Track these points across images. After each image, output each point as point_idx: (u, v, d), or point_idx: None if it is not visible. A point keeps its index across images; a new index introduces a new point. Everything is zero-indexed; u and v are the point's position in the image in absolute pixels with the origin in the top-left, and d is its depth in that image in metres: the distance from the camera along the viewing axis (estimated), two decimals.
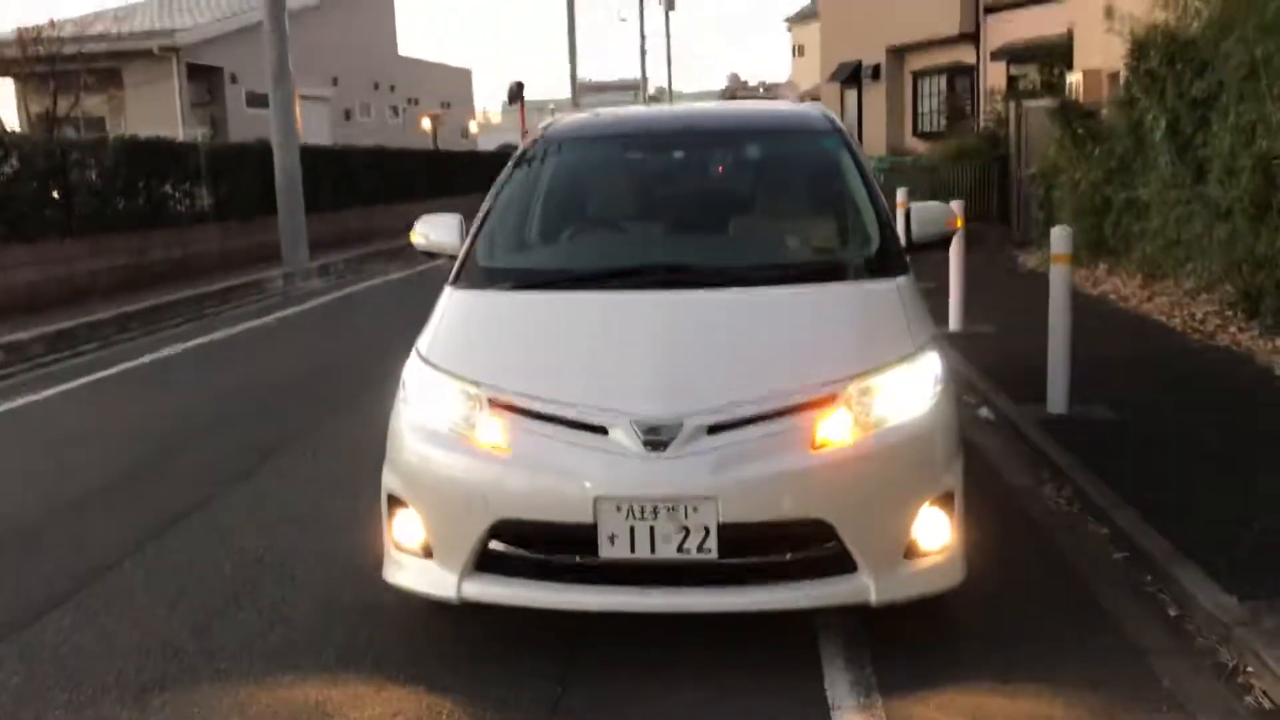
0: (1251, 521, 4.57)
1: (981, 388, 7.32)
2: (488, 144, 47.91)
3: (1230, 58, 9.05)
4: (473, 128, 48.02)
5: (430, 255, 4.82)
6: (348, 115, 34.05)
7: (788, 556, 3.52)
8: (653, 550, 3.48)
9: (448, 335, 4.07)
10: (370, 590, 4.16)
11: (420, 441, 3.77)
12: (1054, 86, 17.64)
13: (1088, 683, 3.52)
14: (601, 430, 3.54)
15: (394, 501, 3.82)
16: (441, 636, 3.94)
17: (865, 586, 3.54)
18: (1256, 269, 8.61)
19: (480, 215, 4.66)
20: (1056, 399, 6.46)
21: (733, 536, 3.46)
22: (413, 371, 3.95)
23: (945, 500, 3.65)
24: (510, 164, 4.98)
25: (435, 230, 4.76)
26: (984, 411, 6.97)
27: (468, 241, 4.55)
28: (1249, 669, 3.55)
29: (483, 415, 3.69)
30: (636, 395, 3.60)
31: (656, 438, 3.49)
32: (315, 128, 28.46)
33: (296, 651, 3.89)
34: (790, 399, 3.58)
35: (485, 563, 3.64)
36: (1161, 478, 5.20)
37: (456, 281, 4.37)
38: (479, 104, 52.48)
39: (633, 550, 3.48)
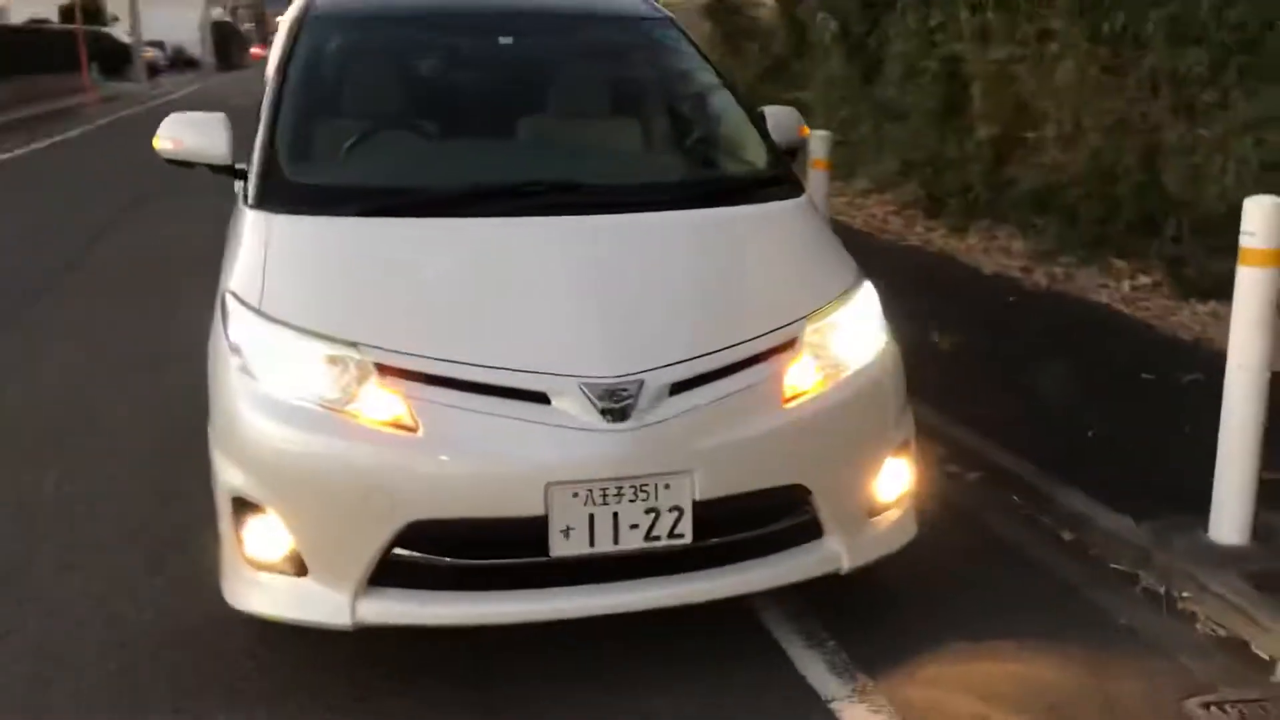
0: (1087, 429, 4.58)
1: None
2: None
3: None
4: None
5: (182, 165, 3.74)
6: None
7: (761, 531, 2.99)
8: (616, 541, 2.82)
9: (287, 279, 3.08)
10: None
11: (279, 425, 2.83)
12: None
13: (1051, 631, 3.30)
14: (542, 398, 2.81)
15: (243, 506, 2.87)
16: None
17: (836, 553, 3.08)
18: (942, 171, 8.94)
19: (267, 114, 3.62)
20: None
21: (707, 515, 2.86)
22: (247, 331, 2.96)
23: (904, 448, 3.26)
24: (281, 50, 3.92)
25: (193, 133, 3.67)
26: None
27: (260, 150, 3.50)
28: (1185, 594, 3.49)
29: (368, 386, 2.82)
30: (579, 352, 2.88)
31: (615, 404, 2.80)
32: None
33: None
34: (754, 347, 3.01)
35: (384, 575, 2.82)
36: (957, 389, 5.06)
37: (266, 204, 3.35)
38: None
39: (592, 544, 2.80)
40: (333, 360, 2.85)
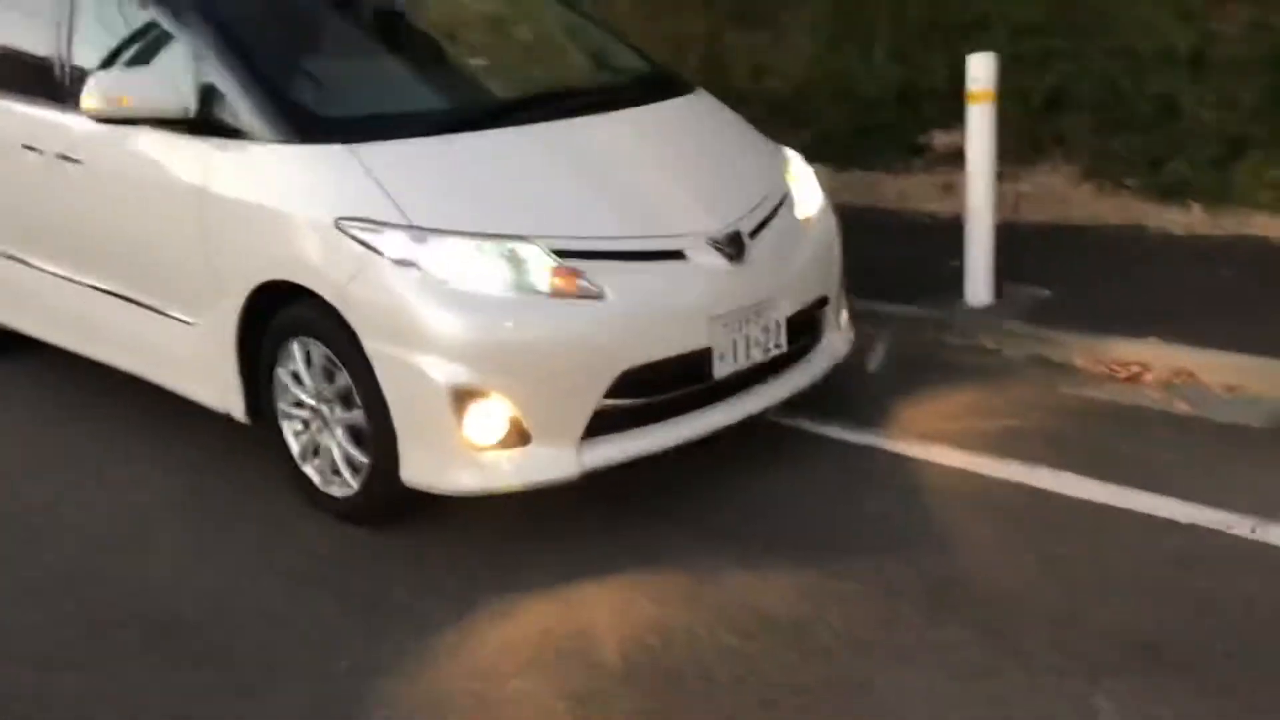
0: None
1: None
2: None
3: None
4: None
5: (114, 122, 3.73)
6: None
7: (806, 337, 3.90)
8: (748, 357, 3.60)
9: (418, 196, 3.37)
10: None
11: (490, 315, 3.24)
12: None
13: (938, 378, 4.58)
14: (679, 255, 3.47)
15: (463, 396, 3.22)
16: None
17: (837, 349, 4.08)
18: None
19: (227, 59, 3.69)
20: None
21: (789, 327, 3.73)
22: (416, 245, 3.27)
23: (841, 267, 4.31)
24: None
25: (140, 88, 3.67)
26: None
27: (256, 91, 3.61)
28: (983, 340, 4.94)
29: (548, 268, 3.30)
30: (688, 215, 3.57)
31: (734, 249, 3.55)
32: None
33: None
34: (774, 198, 3.88)
35: (594, 426, 3.35)
36: None
37: (327, 137, 3.52)
38: None
39: (736, 362, 3.56)
40: (513, 253, 3.27)
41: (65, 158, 4.24)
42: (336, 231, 3.33)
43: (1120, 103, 6.35)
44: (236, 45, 3.75)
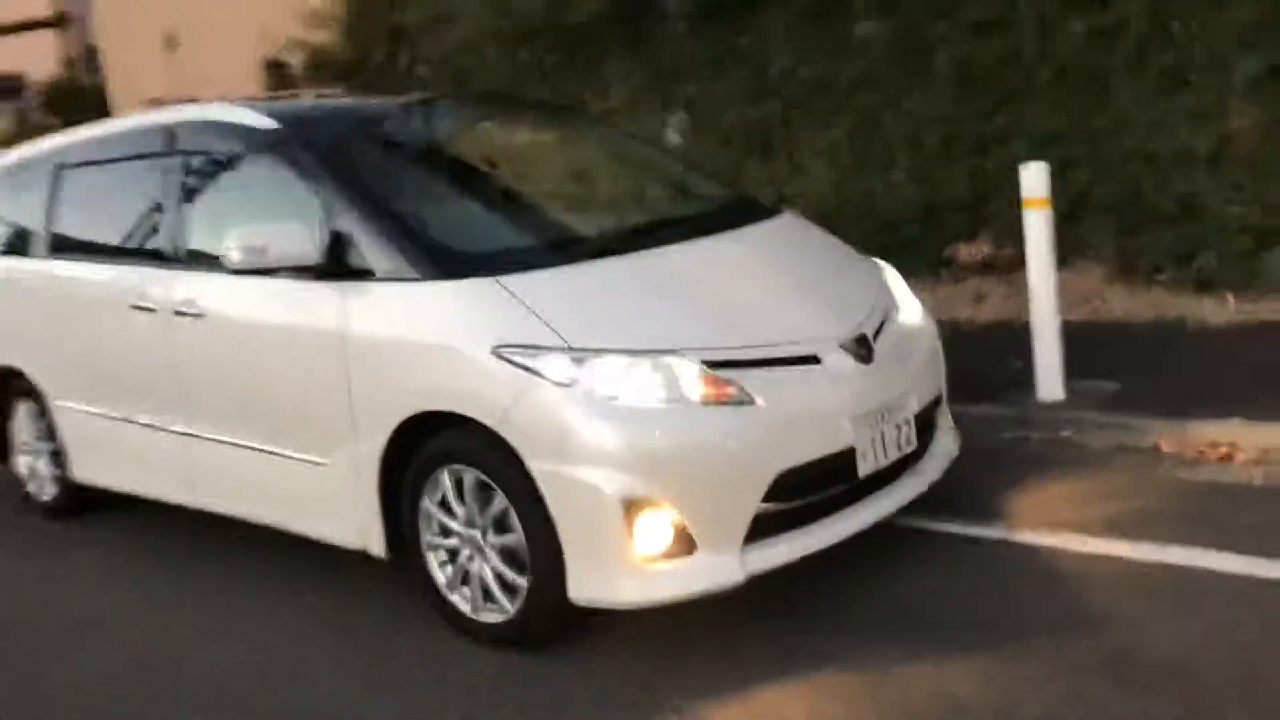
0: None
1: None
2: None
3: None
4: None
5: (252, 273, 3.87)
6: None
7: (925, 437, 4.02)
8: (886, 455, 3.71)
9: (571, 318, 3.50)
10: None
11: (655, 428, 3.34)
12: None
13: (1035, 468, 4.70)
14: (814, 360, 3.60)
15: (635, 506, 3.30)
16: None
17: (950, 447, 4.20)
18: None
19: (357, 207, 3.87)
20: None
21: (916, 425, 3.85)
22: (576, 365, 3.39)
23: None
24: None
25: (277, 240, 3.82)
26: None
27: (394, 234, 3.77)
28: (1065, 432, 5.08)
29: (701, 380, 3.42)
30: (818, 323, 3.73)
31: (864, 350, 3.70)
32: None
33: None
34: (885, 303, 4.06)
35: (753, 531, 3.43)
36: None
37: (474, 271, 3.67)
38: None
39: (876, 460, 3.67)
40: (667, 366, 3.40)
41: (182, 313, 4.35)
42: (495, 359, 3.44)
43: (1143, 204, 6.67)
44: (365, 194, 3.92)
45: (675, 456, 3.35)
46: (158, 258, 4.56)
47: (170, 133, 4.63)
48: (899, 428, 3.76)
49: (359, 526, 3.94)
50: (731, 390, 3.42)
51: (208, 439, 4.42)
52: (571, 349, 3.41)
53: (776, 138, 8.23)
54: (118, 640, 4.17)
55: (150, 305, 4.51)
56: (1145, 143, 6.67)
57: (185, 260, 4.45)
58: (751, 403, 3.43)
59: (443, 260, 3.71)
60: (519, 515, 3.47)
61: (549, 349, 3.42)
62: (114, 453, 4.98)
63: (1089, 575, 3.77)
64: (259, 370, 4.13)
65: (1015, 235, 6.96)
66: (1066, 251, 6.93)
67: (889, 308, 4.08)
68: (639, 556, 3.34)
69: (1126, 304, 6.59)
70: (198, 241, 4.43)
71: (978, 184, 7.38)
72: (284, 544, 4.33)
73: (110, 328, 4.74)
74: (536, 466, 3.38)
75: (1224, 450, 4.62)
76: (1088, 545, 3.95)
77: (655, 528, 3.33)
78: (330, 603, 4.18)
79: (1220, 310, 6.21)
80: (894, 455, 3.74)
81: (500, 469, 3.49)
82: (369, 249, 3.78)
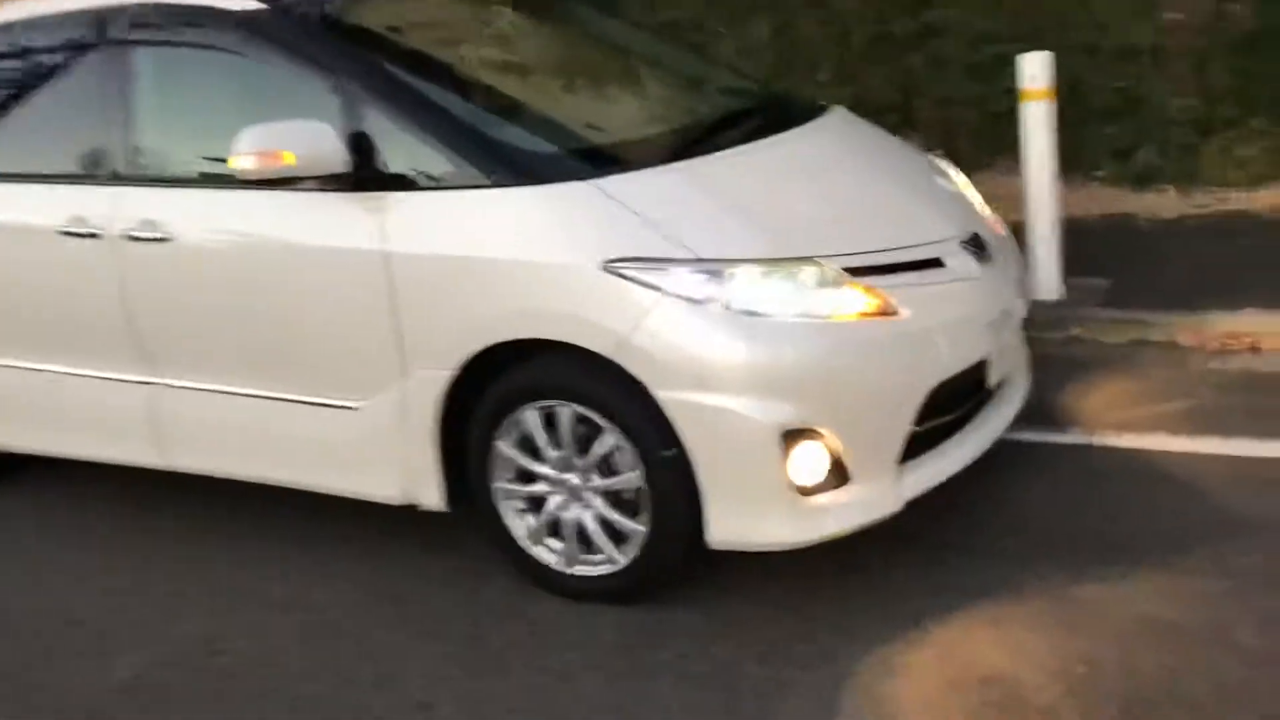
0: None
1: None
2: None
3: None
4: None
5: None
6: None
7: None
8: (1006, 364, 3.42)
9: (688, 225, 3.00)
10: None
11: (810, 343, 2.91)
12: None
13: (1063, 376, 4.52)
14: (938, 263, 3.24)
15: (791, 436, 2.87)
16: None
17: (1026, 386, 3.83)
18: None
19: (412, 107, 3.24)
20: None
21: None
22: (704, 279, 2.90)
23: None
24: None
25: (303, 142, 3.15)
26: None
27: (460, 135, 3.17)
28: (1074, 331, 4.93)
29: (842, 290, 3.00)
30: (927, 221, 3.36)
31: (984, 250, 3.37)
32: None
33: None
34: (976, 206, 3.72)
35: (906, 452, 3.08)
36: None
37: (568, 175, 3.12)
38: None
39: (1000, 370, 3.38)
40: (812, 274, 2.97)
41: (136, 238, 3.59)
42: (606, 275, 2.93)
43: (1083, 98, 6.58)
44: (401, 86, 3.28)
45: (833, 378, 2.93)
46: (98, 172, 3.74)
47: (118, 17, 3.76)
48: (1014, 335, 3.46)
49: (405, 478, 3.36)
50: (886, 300, 3.03)
51: (181, 388, 3.70)
52: (701, 259, 2.93)
53: (692, 40, 7.74)
54: None
55: (88, 230, 3.70)
56: (1088, 38, 6.55)
57: (139, 176, 3.66)
58: (895, 314, 3.04)
59: (519, 163, 3.14)
60: (640, 453, 2.99)
61: (675, 261, 2.92)
62: (31, 411, 4.14)
63: (1194, 475, 3.60)
64: (257, 303, 3.44)
65: (947, 136, 6.94)
66: (1001, 151, 6.86)
67: (975, 203, 3.76)
68: (794, 491, 2.93)
69: (1069, 201, 6.52)
70: (159, 152, 3.65)
71: (907, 84, 7.15)
72: (282, 506, 3.68)
73: (29, 258, 3.89)
74: (667, 396, 2.90)
75: (1249, 341, 4.56)
76: (1176, 445, 3.79)
77: (812, 458, 2.92)
78: (374, 573, 3.59)
79: (1165, 204, 6.22)
80: (1009, 364, 3.45)
81: (613, 402, 3.00)
82: (417, 151, 3.16)
